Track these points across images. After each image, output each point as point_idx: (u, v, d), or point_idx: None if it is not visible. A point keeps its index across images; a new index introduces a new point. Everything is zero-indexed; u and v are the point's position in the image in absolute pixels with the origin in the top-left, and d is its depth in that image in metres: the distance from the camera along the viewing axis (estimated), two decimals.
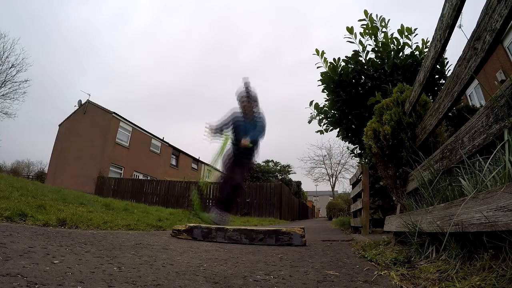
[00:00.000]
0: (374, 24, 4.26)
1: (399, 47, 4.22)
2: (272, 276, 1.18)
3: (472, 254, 1.00)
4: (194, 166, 27.34)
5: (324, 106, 4.85)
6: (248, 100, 3.80)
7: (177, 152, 25.05)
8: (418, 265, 1.24)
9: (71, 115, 20.49)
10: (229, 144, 3.85)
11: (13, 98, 18.49)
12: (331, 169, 29.45)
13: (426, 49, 3.92)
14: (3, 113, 18.35)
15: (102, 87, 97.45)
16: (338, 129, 4.87)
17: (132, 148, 20.19)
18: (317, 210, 41.09)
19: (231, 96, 3.95)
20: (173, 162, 24.78)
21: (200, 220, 3.59)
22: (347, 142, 5.08)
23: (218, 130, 3.87)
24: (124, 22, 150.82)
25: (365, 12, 4.28)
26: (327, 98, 4.69)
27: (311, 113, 5.04)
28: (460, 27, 8.76)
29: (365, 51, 4.32)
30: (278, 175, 27.73)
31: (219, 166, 3.93)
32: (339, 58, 4.37)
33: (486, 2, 1.02)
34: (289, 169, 28.73)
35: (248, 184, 13.13)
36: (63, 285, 0.81)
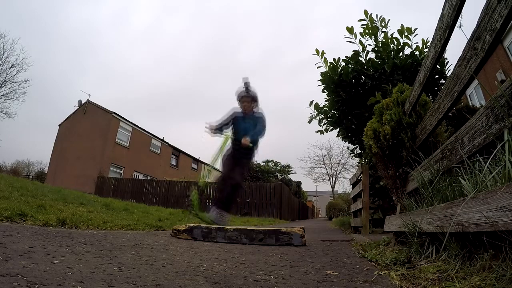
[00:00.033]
0: (374, 24, 4.26)
1: (399, 47, 4.22)
2: (272, 276, 1.18)
3: (472, 254, 1.00)
4: (194, 166, 27.35)
5: (324, 106, 4.85)
6: (248, 99, 3.80)
7: (177, 152, 25.05)
8: (418, 265, 1.24)
9: (71, 115, 20.50)
10: (229, 144, 3.85)
11: (13, 98, 18.53)
12: (331, 169, 29.50)
13: (426, 49, 3.92)
14: (3, 113, 18.39)
15: (102, 87, 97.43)
16: (338, 129, 4.87)
17: (132, 148, 20.19)
18: (317, 210, 41.09)
19: (231, 96, 3.95)
20: (173, 162, 24.79)
21: (200, 220, 3.59)
22: (347, 142, 5.08)
23: (218, 130, 3.87)
24: (124, 22, 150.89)
25: (365, 12, 4.28)
26: (327, 98, 4.69)
27: (311, 113, 5.04)
28: (460, 27, 8.76)
29: (365, 51, 4.32)
30: (278, 175, 27.73)
31: (218, 165, 3.93)
32: (339, 58, 4.37)
33: (486, 2, 1.02)
34: (289, 169, 28.74)
35: (248, 184, 13.12)
36: (63, 285, 0.81)
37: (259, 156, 30.13)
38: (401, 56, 4.23)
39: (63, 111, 54.45)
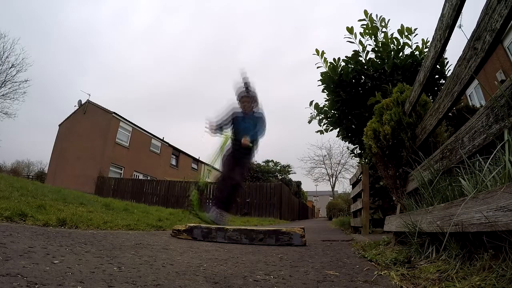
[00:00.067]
0: (374, 24, 4.26)
1: (399, 47, 4.22)
2: (272, 276, 1.18)
3: (472, 254, 1.00)
4: (194, 166, 27.36)
5: (324, 106, 4.85)
6: (248, 99, 3.79)
7: (177, 152, 25.06)
8: (418, 265, 1.24)
9: (71, 115, 20.50)
10: (228, 144, 3.84)
11: (13, 98, 18.53)
12: (331, 169, 29.49)
13: (426, 49, 3.93)
14: (3, 113, 18.39)
15: (102, 87, 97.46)
16: (338, 129, 4.87)
17: (132, 148, 20.19)
18: (317, 210, 41.09)
19: (231, 96, 3.95)
20: (173, 162, 24.79)
21: (200, 220, 3.59)
22: (347, 142, 5.08)
23: (218, 129, 3.86)
24: (124, 22, 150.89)
25: (365, 12, 4.28)
26: (327, 98, 4.69)
27: (311, 113, 5.04)
28: (460, 27, 8.77)
29: (365, 51, 4.32)
30: (278, 175, 27.73)
31: (218, 165, 3.92)
32: (339, 58, 4.37)
33: (486, 2, 1.02)
34: (289, 169, 28.75)
35: (248, 184, 13.12)
36: (63, 285, 0.81)
37: (259, 156, 30.17)
38: (401, 56, 4.23)
39: (63, 111, 54.50)
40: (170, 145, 24.16)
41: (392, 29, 6.62)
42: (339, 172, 28.93)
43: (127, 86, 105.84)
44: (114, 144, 18.88)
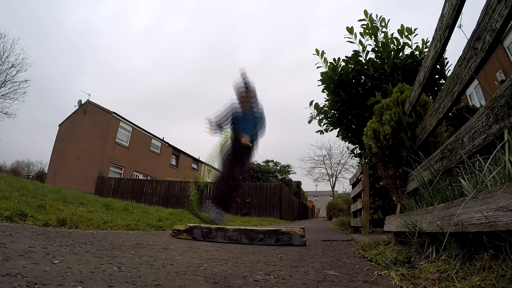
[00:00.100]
0: (374, 24, 4.26)
1: (399, 47, 4.22)
2: (272, 276, 1.18)
3: (472, 254, 1.00)
4: (194, 166, 27.36)
5: (324, 106, 4.85)
6: (246, 93, 3.79)
7: (177, 152, 25.06)
8: (418, 265, 1.24)
9: (71, 115, 20.50)
10: (228, 143, 3.84)
11: (13, 98, 18.52)
12: (331, 169, 29.49)
13: (426, 49, 3.93)
14: (3, 113, 18.38)
15: (102, 87, 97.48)
16: (338, 129, 4.87)
17: (132, 148, 20.19)
18: (317, 210, 41.09)
19: (231, 96, 3.95)
20: (173, 162, 24.79)
21: (199, 219, 3.58)
22: (347, 142, 5.08)
23: (218, 128, 3.86)
24: (124, 22, 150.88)
25: (365, 12, 4.28)
26: (327, 98, 4.69)
27: (311, 113, 5.04)
28: (460, 27, 8.77)
29: (365, 51, 4.32)
30: (278, 175, 27.73)
31: (218, 164, 3.91)
32: (339, 58, 4.37)
33: (486, 2, 1.02)
34: (289, 169, 28.74)
35: (248, 184, 13.12)
36: (63, 285, 0.81)
37: (259, 156, 30.18)
38: (401, 56, 4.23)
39: (63, 111, 54.54)
40: (170, 145, 24.16)
41: (392, 29, 6.64)
42: (339, 172, 28.95)
43: (127, 86, 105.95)
44: (114, 144, 18.88)
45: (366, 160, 4.39)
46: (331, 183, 30.03)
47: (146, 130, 21.68)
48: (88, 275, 0.94)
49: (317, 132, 5.09)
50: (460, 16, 1.34)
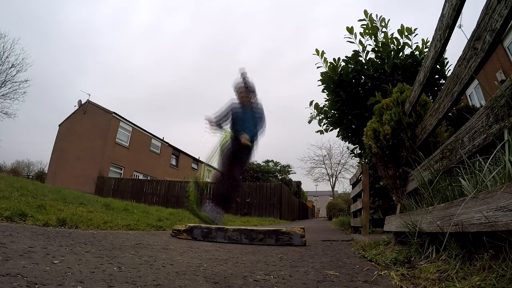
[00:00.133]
0: (374, 24, 4.26)
1: (399, 47, 4.22)
2: (272, 276, 1.18)
3: (472, 254, 1.00)
4: (194, 166, 27.35)
5: (324, 106, 4.85)
6: (246, 90, 3.78)
7: (177, 152, 25.05)
8: (418, 265, 1.24)
9: (71, 115, 20.50)
10: (228, 142, 3.83)
11: (13, 98, 18.53)
12: (331, 169, 29.50)
13: (426, 49, 3.93)
14: (3, 113, 18.38)
15: (102, 87, 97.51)
16: (338, 129, 4.87)
17: (132, 148, 20.19)
18: (317, 210, 41.09)
19: (231, 96, 3.95)
20: (173, 162, 24.79)
21: (197, 218, 3.56)
22: (347, 142, 5.08)
23: (218, 126, 3.85)
24: (124, 22, 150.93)
25: (365, 12, 4.28)
26: (327, 98, 4.69)
27: (311, 113, 5.04)
28: (460, 27, 8.77)
29: (365, 51, 4.32)
30: (278, 175, 27.72)
31: (217, 163, 3.89)
32: (339, 58, 4.37)
33: (486, 2, 1.02)
34: (289, 169, 28.73)
35: (248, 184, 13.12)
36: (63, 285, 0.81)
37: (259, 156, 30.17)
38: (401, 56, 4.23)
39: (63, 111, 54.56)
40: (170, 145, 24.16)
41: (392, 29, 6.64)
42: (339, 172, 28.96)
43: (127, 86, 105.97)
44: (114, 144, 18.88)
45: (366, 160, 4.39)
46: (331, 183, 30.06)
47: (146, 130, 21.68)
48: (88, 275, 0.94)
49: (317, 132, 5.09)
50: (460, 16, 1.34)
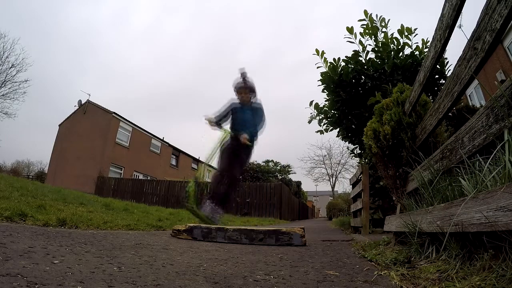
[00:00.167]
0: (374, 24, 4.26)
1: (399, 47, 4.22)
2: (272, 276, 1.18)
3: (472, 254, 1.00)
4: (194, 166, 27.35)
5: (324, 106, 4.85)
6: (246, 89, 3.79)
7: (177, 152, 25.06)
8: (418, 265, 1.24)
9: (71, 115, 20.50)
10: (228, 140, 3.83)
11: (13, 98, 18.55)
12: (331, 169, 29.52)
13: (426, 49, 3.92)
14: (3, 113, 18.40)
15: (102, 87, 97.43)
16: (338, 129, 4.87)
17: (132, 148, 20.19)
18: (317, 210, 41.09)
19: (231, 96, 3.95)
20: (173, 162, 24.79)
21: (196, 217, 3.55)
22: (347, 142, 5.08)
23: (218, 125, 3.85)
24: (124, 22, 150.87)
25: (365, 12, 4.28)
26: (327, 98, 4.69)
27: (311, 113, 5.04)
28: (460, 27, 8.76)
29: (365, 51, 4.32)
30: (278, 175, 27.70)
31: (216, 160, 3.87)
32: (339, 58, 4.37)
33: (486, 2, 1.02)
34: (289, 169, 28.71)
35: (248, 184, 13.12)
36: (63, 285, 0.81)
37: (259, 156, 30.18)
38: (401, 56, 4.23)
39: (63, 111, 54.52)
40: (170, 145, 24.17)
41: (392, 29, 6.61)
42: (339, 172, 28.98)
43: (127, 86, 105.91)
44: (114, 144, 18.88)
45: (366, 160, 4.39)
46: (331, 183, 30.07)
47: (146, 130, 21.69)
48: (88, 275, 0.94)
49: (317, 132, 5.09)
50: (460, 16, 1.34)
